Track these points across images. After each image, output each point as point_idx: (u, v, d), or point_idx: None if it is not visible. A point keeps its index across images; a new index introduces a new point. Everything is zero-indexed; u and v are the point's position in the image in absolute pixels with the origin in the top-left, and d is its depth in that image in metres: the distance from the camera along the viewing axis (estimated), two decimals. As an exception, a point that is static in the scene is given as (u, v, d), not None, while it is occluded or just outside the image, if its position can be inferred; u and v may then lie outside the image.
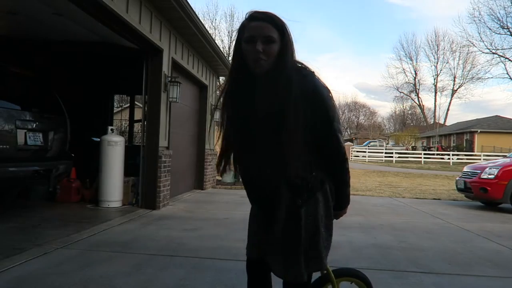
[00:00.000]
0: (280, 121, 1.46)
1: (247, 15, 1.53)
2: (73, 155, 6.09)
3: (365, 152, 32.54)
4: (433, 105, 51.54)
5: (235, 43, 1.56)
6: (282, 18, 1.52)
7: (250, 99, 1.54)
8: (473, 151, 34.19)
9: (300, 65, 1.55)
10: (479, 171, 8.28)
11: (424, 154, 32.32)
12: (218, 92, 10.02)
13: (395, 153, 31.70)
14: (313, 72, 1.54)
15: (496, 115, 41.46)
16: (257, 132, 1.55)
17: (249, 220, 1.89)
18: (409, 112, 63.67)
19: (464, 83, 48.25)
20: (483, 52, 39.80)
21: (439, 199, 9.79)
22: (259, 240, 1.76)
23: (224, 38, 44.49)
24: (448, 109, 51.62)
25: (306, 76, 1.52)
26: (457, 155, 32.33)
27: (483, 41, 49.69)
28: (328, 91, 1.54)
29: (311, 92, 1.49)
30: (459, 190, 8.91)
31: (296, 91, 1.47)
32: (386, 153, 32.57)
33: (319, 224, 1.55)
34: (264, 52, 1.46)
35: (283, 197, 1.54)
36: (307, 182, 1.52)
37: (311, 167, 1.53)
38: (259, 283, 1.86)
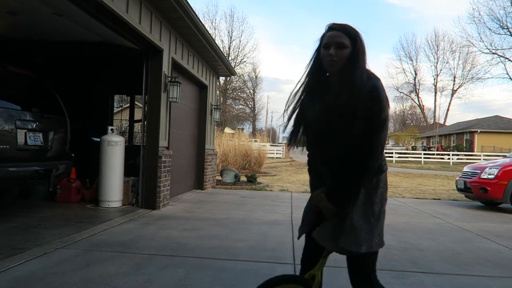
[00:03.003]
0: (348, 115, 1.69)
1: (326, 27, 1.83)
2: (73, 155, 6.09)
3: (365, 152, 32.44)
4: (433, 105, 51.60)
5: (316, 49, 1.85)
6: (356, 29, 1.81)
7: (323, 97, 1.80)
8: (473, 151, 34.19)
9: (369, 71, 1.79)
10: (479, 171, 8.28)
11: (424, 154, 32.33)
12: (218, 92, 10.07)
13: (395, 153, 31.70)
14: (378, 77, 1.78)
15: (496, 115, 41.46)
16: (327, 127, 1.78)
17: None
18: (409, 112, 63.73)
19: (464, 83, 48.27)
20: (483, 52, 39.80)
21: (439, 199, 9.79)
22: (309, 219, 1.95)
23: (224, 38, 44.61)
24: (448, 109, 51.67)
25: (370, 78, 1.75)
26: (457, 155, 32.34)
27: (483, 41, 49.63)
28: (386, 98, 1.73)
29: (370, 89, 1.70)
30: (459, 190, 8.91)
31: (362, 89, 1.69)
32: (386, 153, 32.45)
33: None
34: (336, 55, 1.74)
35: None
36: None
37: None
38: (313, 251, 1.95)
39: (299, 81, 1.93)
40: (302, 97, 1.91)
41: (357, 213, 1.74)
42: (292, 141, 1.96)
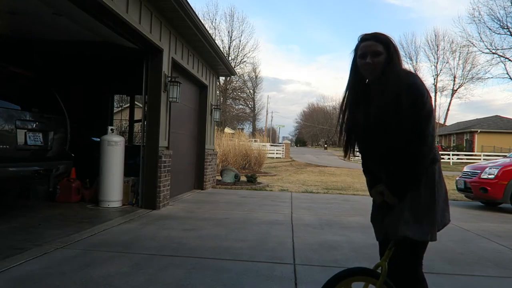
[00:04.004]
0: (385, 115, 1.82)
1: (359, 38, 1.97)
2: (73, 155, 6.09)
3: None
4: (433, 105, 51.47)
5: (352, 61, 1.99)
6: (387, 34, 1.95)
7: (366, 102, 1.95)
8: (473, 151, 34.19)
9: (405, 69, 1.93)
10: (479, 171, 8.28)
11: (424, 154, 32.22)
12: (218, 92, 10.16)
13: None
14: (415, 75, 1.91)
15: (496, 115, 41.44)
16: (376, 128, 1.89)
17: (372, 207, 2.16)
18: (409, 112, 63.41)
19: (464, 83, 48.17)
20: (483, 52, 39.61)
21: (439, 199, 9.77)
22: (379, 224, 2.04)
23: (224, 38, 44.59)
24: (448, 109, 51.52)
25: (408, 75, 1.88)
26: (457, 155, 32.33)
27: (483, 41, 49.26)
28: (426, 90, 1.84)
29: (409, 86, 1.81)
30: (459, 190, 8.91)
31: (396, 89, 1.81)
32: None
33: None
34: (373, 63, 1.88)
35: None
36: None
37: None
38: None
39: (343, 96, 2.08)
40: (348, 109, 2.04)
41: (416, 203, 1.84)
42: (349, 151, 2.10)
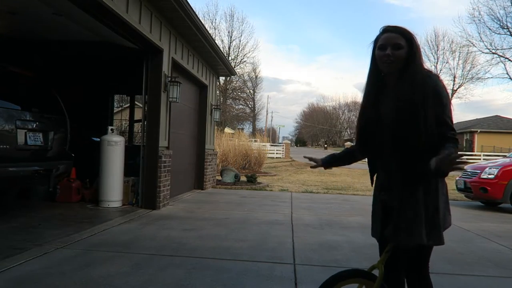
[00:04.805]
0: (412, 111, 1.75)
1: (381, 29, 1.89)
2: (73, 155, 6.09)
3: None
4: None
5: (371, 53, 1.90)
6: (410, 30, 1.86)
7: (382, 99, 1.88)
8: (473, 151, 34.18)
9: (426, 69, 1.86)
10: (479, 171, 8.28)
11: (424, 154, 32.18)
12: (218, 92, 10.16)
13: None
14: (437, 75, 1.87)
15: (496, 115, 41.41)
16: (396, 125, 1.82)
17: (373, 205, 2.15)
18: (409, 112, 63.31)
19: (464, 83, 48.06)
20: (483, 52, 39.40)
21: (439, 199, 9.77)
22: (378, 226, 2.03)
23: (224, 38, 44.43)
24: (448, 109, 51.48)
25: (430, 76, 1.82)
26: (457, 155, 32.28)
27: (483, 41, 48.97)
28: (447, 93, 1.83)
29: (432, 88, 1.77)
30: (459, 190, 8.91)
31: (423, 87, 1.77)
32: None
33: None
34: (393, 55, 1.80)
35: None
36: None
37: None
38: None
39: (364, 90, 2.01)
40: (363, 104, 1.98)
41: (418, 208, 1.80)
42: (362, 147, 2.03)
